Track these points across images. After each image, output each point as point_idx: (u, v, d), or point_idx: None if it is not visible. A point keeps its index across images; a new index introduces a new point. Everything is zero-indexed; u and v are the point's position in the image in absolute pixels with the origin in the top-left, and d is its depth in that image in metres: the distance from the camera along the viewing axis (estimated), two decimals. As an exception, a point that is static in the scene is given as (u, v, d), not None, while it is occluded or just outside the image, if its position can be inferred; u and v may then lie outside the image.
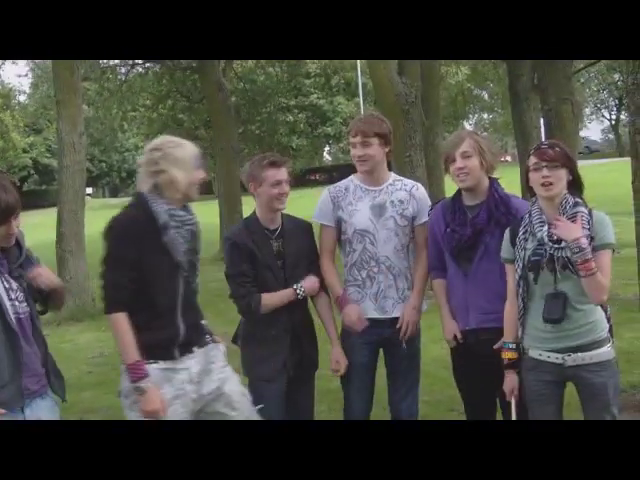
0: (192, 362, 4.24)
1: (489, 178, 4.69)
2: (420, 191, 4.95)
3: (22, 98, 60.21)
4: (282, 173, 4.75)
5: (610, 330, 4.25)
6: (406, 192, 4.89)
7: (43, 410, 3.96)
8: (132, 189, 73.66)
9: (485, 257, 4.57)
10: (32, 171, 68.45)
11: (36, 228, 22.22)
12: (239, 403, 4.38)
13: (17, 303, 3.86)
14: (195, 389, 4.23)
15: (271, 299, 4.72)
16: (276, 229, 4.84)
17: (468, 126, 62.75)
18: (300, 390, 4.84)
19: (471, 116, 60.89)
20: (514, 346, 4.35)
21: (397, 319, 4.84)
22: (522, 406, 4.35)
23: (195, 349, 4.28)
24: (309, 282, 4.81)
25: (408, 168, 12.38)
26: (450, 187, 5.04)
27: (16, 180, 57.86)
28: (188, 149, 4.21)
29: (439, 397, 7.09)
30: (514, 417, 4.36)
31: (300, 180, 58.60)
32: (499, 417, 4.77)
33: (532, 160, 4.20)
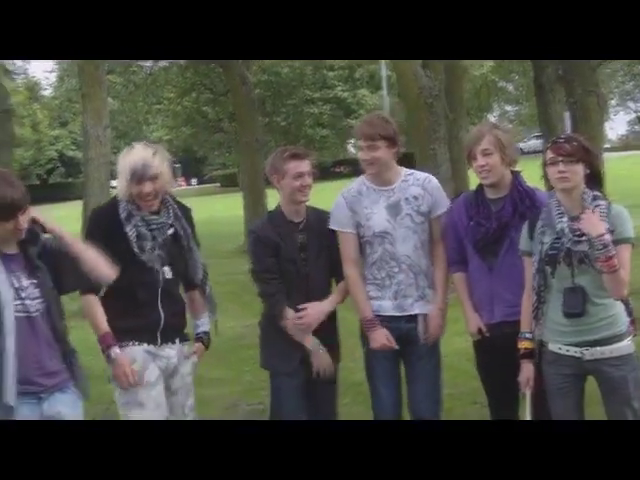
0: (172, 353, 4.58)
1: (512, 171, 4.68)
2: (433, 183, 4.88)
3: (48, 92, 60.61)
4: (304, 165, 4.75)
5: (633, 323, 4.25)
6: (419, 187, 4.81)
7: (63, 404, 4.01)
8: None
9: (510, 251, 4.55)
10: (58, 164, 68.82)
11: (62, 221, 21.98)
12: (173, 411, 4.61)
13: (28, 301, 3.87)
14: (166, 377, 4.57)
15: (292, 322, 4.76)
16: (301, 221, 4.85)
17: (493, 119, 62.54)
18: (322, 384, 4.83)
19: (496, 108, 60.54)
20: (531, 336, 4.37)
21: (415, 316, 4.80)
22: (538, 397, 4.35)
23: (177, 341, 4.62)
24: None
25: (432, 162, 12.32)
26: (474, 180, 5.02)
27: (41, 173, 58.34)
28: (128, 160, 4.40)
29: (462, 389, 7.07)
30: (529, 407, 4.37)
31: (325, 172, 58.54)
32: (522, 410, 4.77)
33: (549, 154, 4.20)
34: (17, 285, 3.85)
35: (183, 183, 67.20)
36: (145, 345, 4.49)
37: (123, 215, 4.43)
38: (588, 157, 4.18)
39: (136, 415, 4.42)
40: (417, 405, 4.85)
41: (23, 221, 3.79)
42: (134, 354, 4.47)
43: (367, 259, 4.87)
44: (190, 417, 4.65)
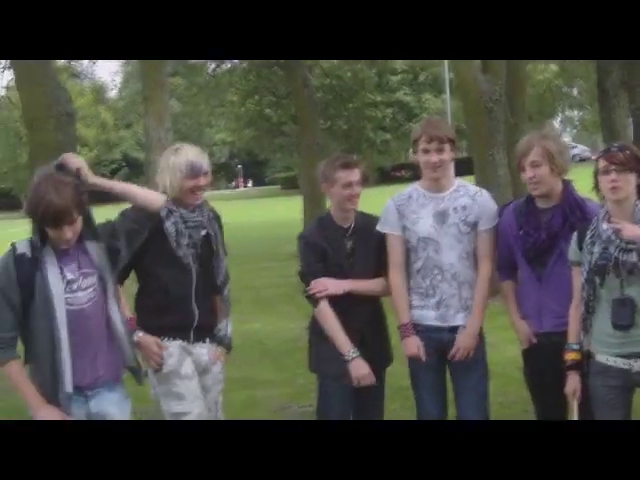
0: (204, 351, 4.75)
1: (563, 181, 4.65)
2: (484, 197, 4.84)
3: (114, 93, 61.48)
4: (354, 174, 4.77)
5: None
6: (469, 197, 4.79)
7: (110, 403, 4.13)
8: (221, 182, 74.52)
9: (560, 261, 4.53)
10: (123, 164, 69.77)
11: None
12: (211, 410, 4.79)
13: (80, 293, 4.01)
14: (201, 374, 4.73)
15: (326, 322, 4.80)
16: (349, 227, 4.87)
17: (557, 124, 61.82)
18: (369, 388, 4.83)
19: (560, 113, 59.85)
20: (578, 347, 4.36)
21: (457, 327, 4.78)
22: (586, 409, 4.33)
23: (208, 340, 4.77)
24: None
25: (491, 167, 12.26)
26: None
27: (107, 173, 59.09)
28: (180, 157, 4.54)
29: (513, 398, 7.03)
30: (576, 419, 4.35)
31: (386, 176, 58.43)
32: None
33: (601, 163, 4.17)
34: (69, 277, 3.99)
35: (242, 184, 67.51)
36: (180, 341, 4.65)
37: (163, 212, 4.52)
38: (638, 167, 4.16)
39: (176, 407, 4.57)
40: (464, 416, 4.81)
41: (68, 231, 3.88)
42: (170, 348, 4.63)
43: (412, 267, 4.86)
44: (220, 414, 4.84)
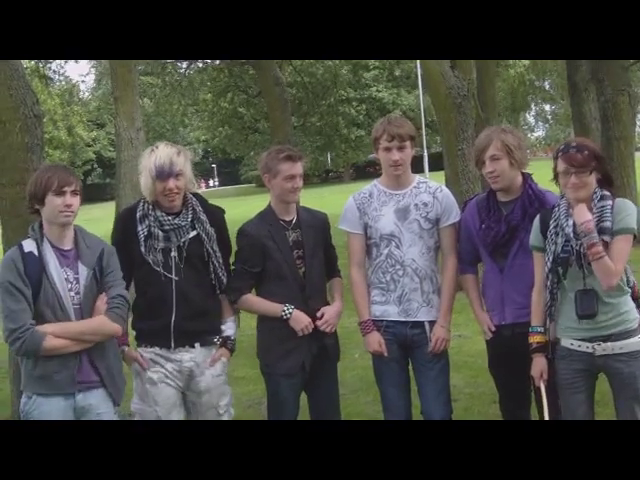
0: (187, 356, 4.62)
1: (523, 174, 4.71)
2: (444, 193, 4.91)
3: (86, 95, 61.12)
4: (297, 168, 4.79)
5: None
6: (430, 194, 4.85)
7: (95, 398, 4.16)
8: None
9: (520, 253, 4.61)
10: (95, 165, 69.41)
11: (99, 221, 22.57)
12: (207, 413, 4.70)
13: (73, 294, 4.08)
14: (183, 379, 4.63)
15: (253, 305, 4.84)
16: (291, 220, 4.88)
17: (530, 118, 62.12)
18: (322, 381, 4.91)
19: (533, 107, 60.08)
20: (542, 330, 4.43)
21: (420, 322, 4.82)
22: (553, 391, 4.40)
23: (197, 345, 4.63)
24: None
25: (460, 162, 12.31)
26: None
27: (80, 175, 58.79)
28: (152, 158, 4.50)
29: (482, 389, 7.10)
30: (545, 401, 4.40)
31: (360, 173, 58.45)
32: (534, 410, 4.82)
33: (560, 165, 4.22)
34: (65, 276, 4.08)
35: (203, 185, 67.15)
36: (157, 349, 4.60)
37: (139, 214, 4.54)
38: (599, 164, 4.23)
39: (135, 405, 4.65)
40: (427, 408, 4.84)
41: (72, 198, 4.05)
42: (144, 354, 4.63)
43: (373, 262, 4.91)
44: (225, 417, 4.73)
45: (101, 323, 4.08)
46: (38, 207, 4.09)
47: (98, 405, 4.16)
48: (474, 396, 7.09)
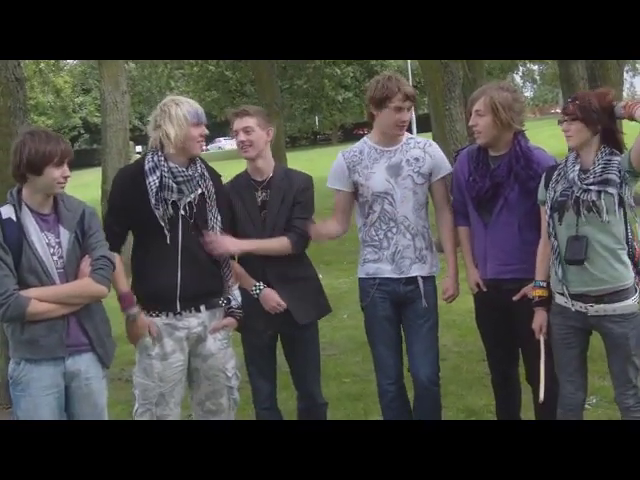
0: (195, 322, 4.50)
1: (515, 132, 4.65)
2: (433, 147, 4.90)
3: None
4: (241, 122, 4.77)
5: None
6: (420, 149, 4.82)
7: (85, 362, 4.13)
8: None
9: (504, 210, 4.60)
10: (82, 130, 69.09)
11: (87, 186, 22.53)
12: (215, 378, 4.59)
13: (56, 258, 4.03)
14: (190, 345, 4.52)
15: (235, 273, 4.73)
16: (263, 180, 4.85)
17: (518, 79, 61.99)
18: (300, 343, 4.92)
19: (521, 67, 59.98)
20: (544, 284, 4.44)
21: (413, 278, 4.80)
22: (546, 346, 4.46)
23: (202, 308, 4.52)
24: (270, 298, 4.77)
25: (447, 121, 12.34)
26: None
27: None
28: (184, 107, 4.41)
29: (471, 348, 7.15)
30: (542, 355, 4.44)
31: (349, 134, 58.35)
32: (521, 366, 4.86)
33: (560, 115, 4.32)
34: (47, 241, 4.01)
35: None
36: (164, 317, 4.46)
37: (148, 166, 4.43)
38: (590, 116, 4.20)
39: (138, 379, 4.52)
40: (414, 366, 4.85)
41: (56, 171, 3.97)
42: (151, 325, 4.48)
43: (366, 220, 4.87)
44: (234, 380, 4.66)
45: (86, 285, 4.04)
46: (29, 176, 3.99)
47: (87, 370, 4.12)
48: (463, 355, 7.13)
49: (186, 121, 4.38)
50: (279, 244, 4.74)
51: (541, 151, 4.69)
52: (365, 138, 4.98)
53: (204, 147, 4.58)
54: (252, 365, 4.94)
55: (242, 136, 4.77)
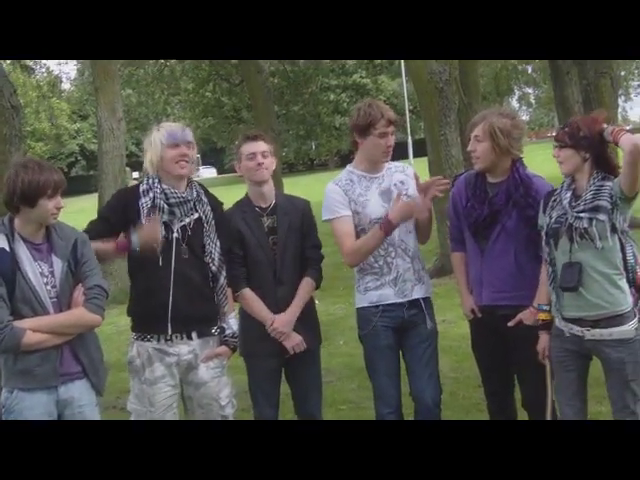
0: (185, 349, 4.48)
1: (514, 158, 4.64)
2: (410, 170, 4.96)
3: (67, 86, 60.86)
4: (257, 146, 4.78)
5: None
6: (401, 173, 4.87)
7: (77, 390, 4.10)
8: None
9: (501, 237, 4.59)
10: (79, 157, 69.17)
11: (83, 212, 22.44)
12: (208, 406, 4.57)
13: (49, 288, 4.01)
14: (180, 372, 4.51)
15: (248, 303, 4.80)
16: (268, 206, 4.87)
17: (515, 103, 62.18)
18: (303, 367, 4.90)
19: (517, 91, 60.17)
20: (547, 308, 4.44)
21: (416, 301, 4.79)
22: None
23: (194, 336, 4.50)
24: (278, 324, 4.77)
25: (443, 146, 12.35)
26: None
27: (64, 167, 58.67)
28: (162, 131, 4.48)
29: (467, 373, 7.10)
30: (549, 377, 4.46)
31: (345, 160, 58.38)
32: (517, 395, 4.84)
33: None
34: (40, 271, 4.00)
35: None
36: (154, 342, 4.46)
37: (143, 188, 4.46)
38: (580, 143, 4.21)
39: (131, 405, 4.53)
40: (419, 389, 4.79)
41: (49, 203, 3.95)
42: (139, 348, 4.49)
43: None
44: (229, 408, 4.60)
45: (80, 315, 4.03)
46: (23, 207, 3.96)
47: (80, 397, 4.11)
48: (459, 380, 7.10)
49: (161, 144, 4.44)
50: (310, 288, 4.91)
51: (540, 179, 4.70)
52: (349, 167, 4.94)
53: (187, 168, 4.50)
54: (258, 392, 4.91)
55: (260, 158, 4.77)
